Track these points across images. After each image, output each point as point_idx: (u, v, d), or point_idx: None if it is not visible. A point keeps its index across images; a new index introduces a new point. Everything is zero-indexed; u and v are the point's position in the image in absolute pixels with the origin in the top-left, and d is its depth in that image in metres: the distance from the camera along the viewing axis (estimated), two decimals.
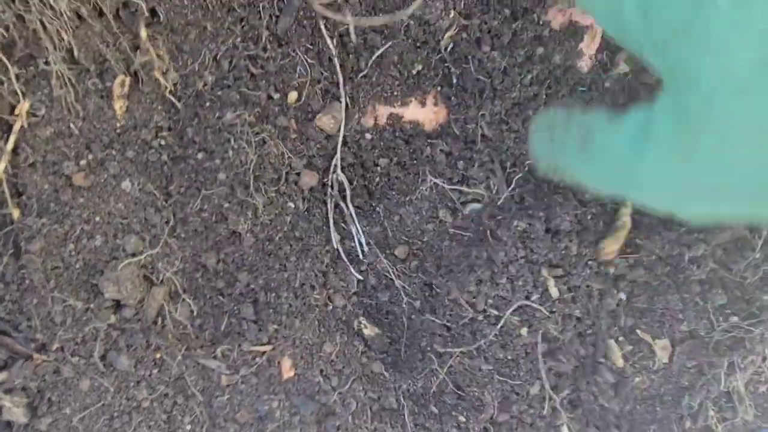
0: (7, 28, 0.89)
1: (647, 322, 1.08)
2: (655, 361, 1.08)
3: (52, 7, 0.87)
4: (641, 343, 1.08)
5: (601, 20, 0.69)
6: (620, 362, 1.08)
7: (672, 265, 1.08)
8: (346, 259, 1.09)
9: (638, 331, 1.08)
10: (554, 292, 1.04)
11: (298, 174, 1.10)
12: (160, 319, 0.97)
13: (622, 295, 1.08)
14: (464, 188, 1.09)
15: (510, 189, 1.07)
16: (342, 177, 1.13)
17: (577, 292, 1.04)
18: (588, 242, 1.03)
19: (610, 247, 1.04)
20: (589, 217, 1.04)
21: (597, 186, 0.92)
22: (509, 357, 1.03)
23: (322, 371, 1.00)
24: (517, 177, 1.08)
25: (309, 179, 1.11)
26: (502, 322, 1.02)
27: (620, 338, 1.08)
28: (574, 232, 1.04)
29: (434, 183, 1.09)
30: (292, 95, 1.13)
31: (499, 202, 1.08)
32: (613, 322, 1.07)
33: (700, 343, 1.08)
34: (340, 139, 1.13)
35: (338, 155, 1.13)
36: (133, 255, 0.97)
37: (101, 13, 0.98)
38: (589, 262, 1.04)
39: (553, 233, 1.04)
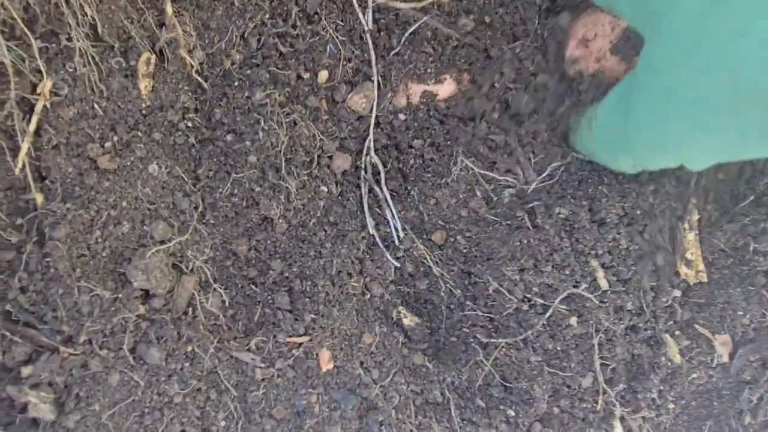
0: (28, 2, 0.84)
1: (706, 316, 1.02)
2: (714, 358, 1.02)
3: None
4: (700, 338, 1.02)
5: None
6: (677, 358, 1.01)
7: (735, 257, 1.01)
8: (382, 246, 1.03)
9: (697, 326, 1.02)
10: (603, 283, 0.97)
11: (331, 157, 1.05)
12: (190, 310, 0.92)
13: (677, 292, 1.01)
14: (495, 174, 1.04)
15: (542, 176, 1.01)
16: (375, 159, 1.07)
17: (628, 284, 0.98)
18: (636, 232, 0.97)
19: (695, 269, 0.99)
20: (638, 212, 0.97)
21: (601, 155, 0.95)
22: (559, 348, 0.97)
23: (362, 363, 0.94)
24: (552, 165, 1.02)
25: (342, 162, 1.06)
26: (550, 311, 0.96)
27: (677, 333, 1.01)
28: (623, 224, 0.97)
29: (466, 165, 1.04)
30: (323, 74, 1.07)
31: (529, 189, 1.02)
32: (669, 317, 1.01)
33: (766, 336, 1.02)
34: (373, 119, 1.07)
35: (371, 137, 1.07)
36: (162, 242, 0.92)
37: None
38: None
39: (599, 224, 0.98)
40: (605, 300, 0.97)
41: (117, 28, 0.93)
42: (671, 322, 1.01)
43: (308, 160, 1.03)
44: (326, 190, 1.02)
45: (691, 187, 1.03)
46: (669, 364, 1.01)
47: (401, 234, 1.05)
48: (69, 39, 0.88)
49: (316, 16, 1.04)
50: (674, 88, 0.66)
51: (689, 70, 0.63)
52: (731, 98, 0.60)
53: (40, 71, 0.87)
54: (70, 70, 0.89)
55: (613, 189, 0.98)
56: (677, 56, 0.65)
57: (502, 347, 0.98)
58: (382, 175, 1.06)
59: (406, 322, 0.97)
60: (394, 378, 0.94)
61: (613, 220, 0.96)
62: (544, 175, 1.01)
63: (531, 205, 1.01)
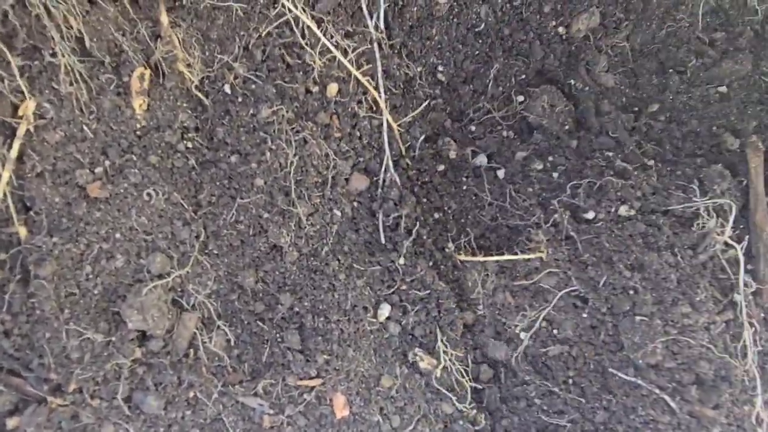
0: (5, 14, 0.75)
1: None
2: None
3: None
4: None
5: None
6: None
7: None
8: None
9: None
10: None
11: (347, 179, 0.96)
12: (192, 351, 0.84)
13: None
14: None
15: None
16: (395, 176, 0.99)
17: None
18: None
19: None
20: None
21: None
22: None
23: (381, 409, 0.85)
24: None
25: (358, 183, 0.97)
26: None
27: None
28: None
29: None
30: (332, 87, 0.99)
31: None
32: None
33: None
34: (385, 134, 0.98)
35: (387, 152, 0.99)
36: (160, 276, 0.83)
37: None
38: None
39: None
40: None
41: (107, 41, 0.84)
42: None
43: (320, 181, 0.94)
44: (340, 214, 0.93)
45: None
46: None
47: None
48: (53, 55, 0.79)
49: (324, 23, 0.95)
50: None
51: None
52: None
53: (21, 91, 0.78)
54: (56, 89, 0.81)
55: None
56: None
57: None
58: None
59: (422, 365, 0.88)
60: (417, 426, 0.85)
61: None
62: None
63: None
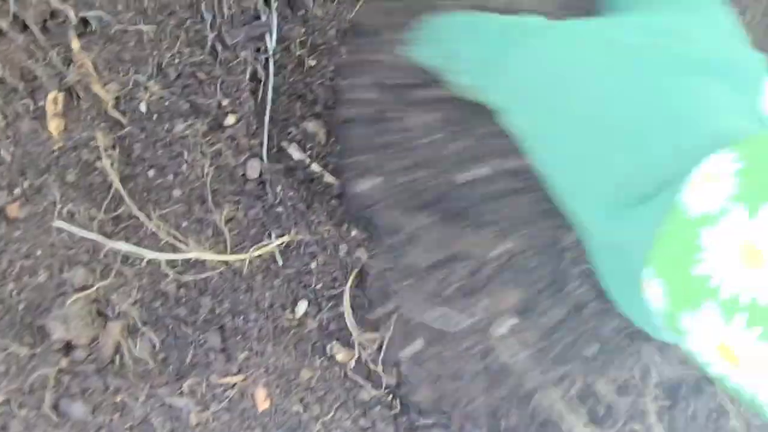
0: None
1: None
2: None
3: None
4: None
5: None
6: None
7: None
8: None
9: None
10: None
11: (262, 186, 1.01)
12: (117, 358, 0.88)
13: None
14: None
15: None
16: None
17: None
18: None
19: None
20: None
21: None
22: None
23: (301, 399, 0.91)
24: None
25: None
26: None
27: None
28: None
29: None
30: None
31: None
32: None
33: None
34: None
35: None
36: (83, 288, 0.88)
37: (25, 27, 0.89)
38: None
39: None
40: None
41: (19, 68, 0.89)
42: None
43: (237, 190, 1.00)
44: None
45: None
46: None
47: None
48: None
49: (233, 42, 1.01)
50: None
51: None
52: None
53: None
54: None
55: None
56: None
57: None
58: None
59: (339, 358, 0.93)
60: (337, 413, 0.90)
61: None
62: None
63: None
